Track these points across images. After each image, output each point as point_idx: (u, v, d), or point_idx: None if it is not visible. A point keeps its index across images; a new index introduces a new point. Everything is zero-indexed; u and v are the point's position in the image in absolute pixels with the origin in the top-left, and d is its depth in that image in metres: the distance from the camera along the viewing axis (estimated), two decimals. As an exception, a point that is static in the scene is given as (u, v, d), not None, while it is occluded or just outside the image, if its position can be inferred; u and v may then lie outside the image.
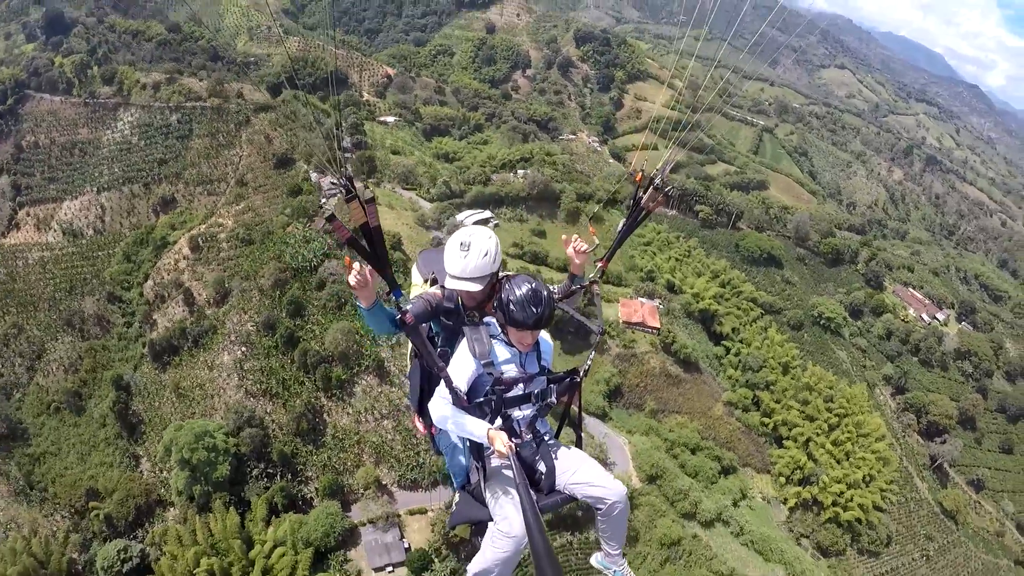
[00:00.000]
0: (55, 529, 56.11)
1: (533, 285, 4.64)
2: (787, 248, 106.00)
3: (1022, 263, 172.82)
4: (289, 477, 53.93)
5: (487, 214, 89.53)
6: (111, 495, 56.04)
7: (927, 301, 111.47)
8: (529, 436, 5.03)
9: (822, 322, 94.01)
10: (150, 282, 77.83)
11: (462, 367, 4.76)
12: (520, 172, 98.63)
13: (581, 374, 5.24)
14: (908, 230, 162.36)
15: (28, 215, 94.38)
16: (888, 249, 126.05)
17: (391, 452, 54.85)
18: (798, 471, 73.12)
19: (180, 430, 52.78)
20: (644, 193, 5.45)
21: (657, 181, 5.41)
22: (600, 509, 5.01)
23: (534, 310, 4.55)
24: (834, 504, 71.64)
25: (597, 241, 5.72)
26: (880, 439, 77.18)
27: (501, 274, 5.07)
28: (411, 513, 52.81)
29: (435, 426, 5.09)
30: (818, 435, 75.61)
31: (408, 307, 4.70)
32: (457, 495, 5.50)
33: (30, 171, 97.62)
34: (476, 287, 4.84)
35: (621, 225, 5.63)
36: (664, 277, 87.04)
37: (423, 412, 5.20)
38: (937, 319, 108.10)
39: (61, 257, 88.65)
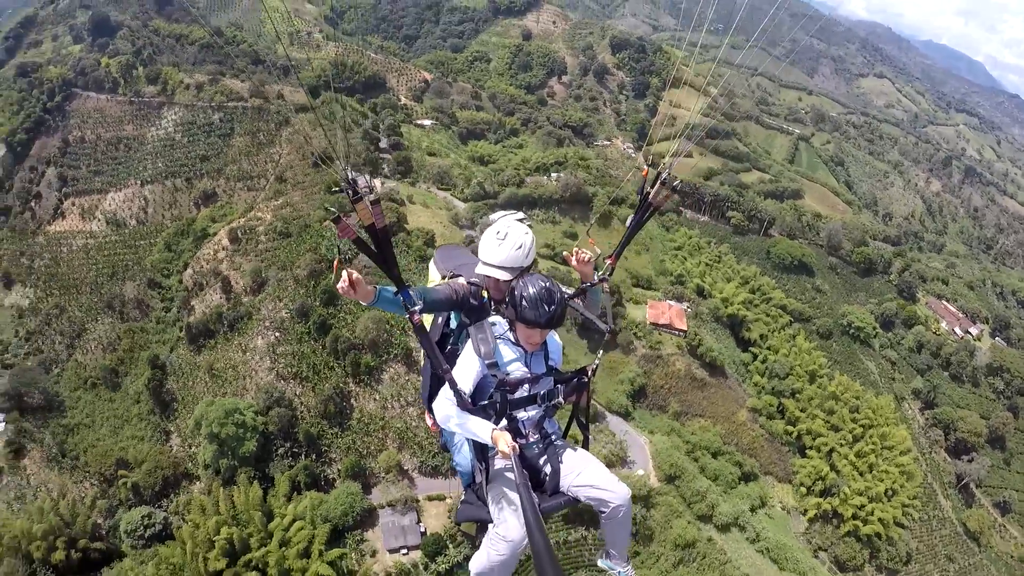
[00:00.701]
0: (83, 495, 58.24)
1: (547, 284, 4.61)
2: (819, 256, 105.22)
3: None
4: (313, 457, 55.67)
5: (520, 215, 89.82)
6: (140, 465, 58.30)
7: (960, 315, 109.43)
8: (536, 437, 5.01)
9: (851, 332, 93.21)
10: (189, 270, 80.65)
11: (467, 368, 4.77)
12: (553, 175, 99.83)
13: (589, 374, 5.24)
14: (945, 243, 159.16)
15: (73, 205, 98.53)
16: (923, 261, 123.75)
17: (414, 439, 56.26)
18: (819, 482, 72.52)
19: (211, 406, 54.93)
20: (651, 188, 5.40)
21: (664, 176, 5.34)
22: (604, 512, 4.97)
23: (546, 308, 4.53)
24: (854, 517, 70.80)
25: (599, 251, 5.65)
26: (905, 452, 76.10)
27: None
28: (429, 499, 54.04)
29: None
30: (842, 446, 74.96)
31: (418, 306, 4.65)
32: (463, 492, 5.53)
33: (76, 164, 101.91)
34: (506, 276, 4.90)
35: (629, 221, 5.61)
36: (693, 281, 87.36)
37: (432, 410, 5.15)
38: (970, 333, 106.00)
39: (104, 244, 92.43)
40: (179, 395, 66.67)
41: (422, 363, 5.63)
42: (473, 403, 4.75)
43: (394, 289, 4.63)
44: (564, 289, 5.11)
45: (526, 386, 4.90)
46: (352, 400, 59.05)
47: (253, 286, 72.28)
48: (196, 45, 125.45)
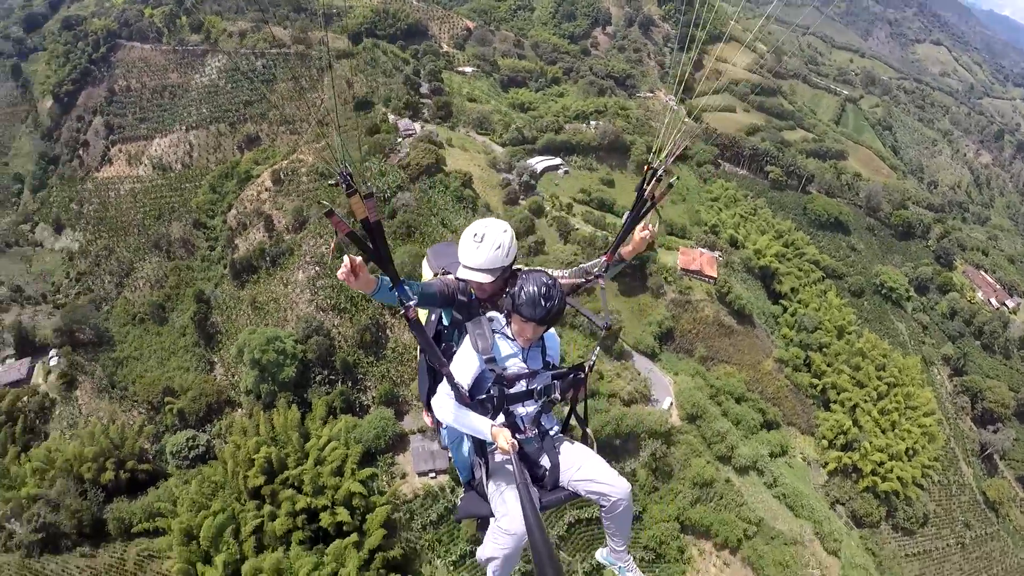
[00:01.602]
0: (132, 422, 61.64)
1: (547, 282, 4.69)
2: (856, 216, 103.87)
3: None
4: (349, 384, 58.35)
5: (557, 161, 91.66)
6: (185, 393, 61.55)
7: (998, 286, 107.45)
8: (534, 432, 5.05)
9: (884, 291, 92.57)
10: (233, 211, 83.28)
11: (465, 363, 4.83)
12: (592, 123, 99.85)
13: (586, 370, 5.30)
14: (990, 216, 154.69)
15: (120, 151, 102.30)
16: (963, 231, 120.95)
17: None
18: (841, 436, 73.02)
19: (253, 334, 57.74)
20: (648, 184, 5.38)
21: (660, 172, 5.34)
22: (604, 506, 5.02)
23: (543, 304, 4.63)
24: (873, 473, 71.18)
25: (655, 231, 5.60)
26: (929, 414, 76.01)
27: (516, 267, 5.17)
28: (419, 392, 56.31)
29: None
30: (865, 402, 75.16)
31: (414, 300, 4.74)
32: (463, 489, 5.63)
33: (122, 112, 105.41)
34: (487, 279, 4.92)
35: (626, 216, 5.61)
36: (727, 232, 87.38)
37: (431, 406, 5.25)
38: (1006, 305, 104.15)
39: (151, 188, 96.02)
40: (223, 328, 69.85)
41: (418, 360, 5.66)
42: (471, 398, 4.83)
43: (391, 285, 4.70)
44: (562, 273, 5.36)
45: (523, 381, 4.97)
46: (387, 331, 61.42)
47: (295, 224, 74.76)
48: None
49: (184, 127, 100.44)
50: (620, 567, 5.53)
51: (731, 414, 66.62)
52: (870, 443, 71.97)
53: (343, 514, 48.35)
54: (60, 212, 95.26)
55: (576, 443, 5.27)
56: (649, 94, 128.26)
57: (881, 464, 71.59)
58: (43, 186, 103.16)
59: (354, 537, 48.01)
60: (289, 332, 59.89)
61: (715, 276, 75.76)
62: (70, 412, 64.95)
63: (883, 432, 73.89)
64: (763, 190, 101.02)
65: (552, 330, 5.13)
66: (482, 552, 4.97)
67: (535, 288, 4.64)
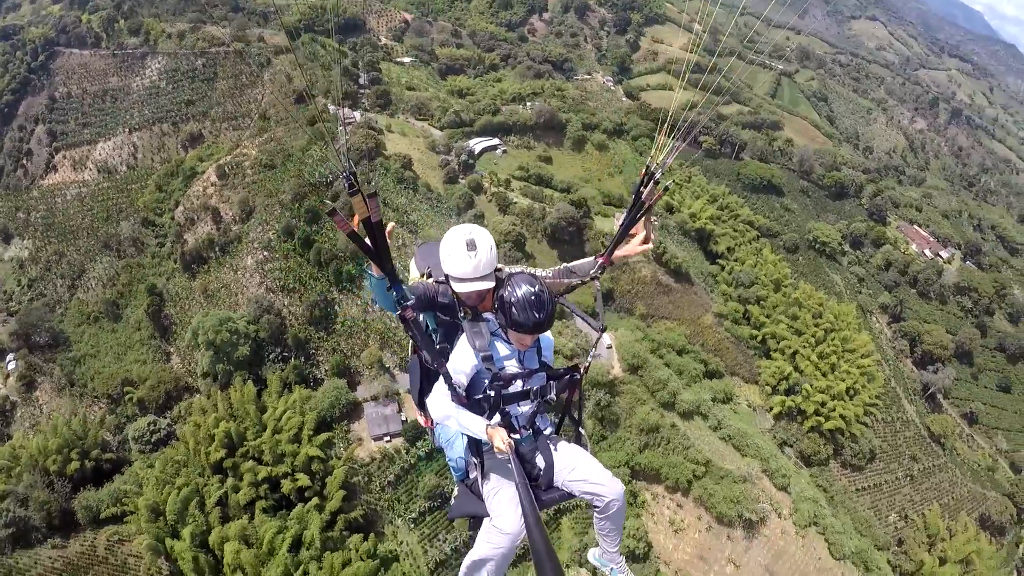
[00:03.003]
0: (93, 416, 62.43)
1: (535, 288, 4.64)
2: (789, 179, 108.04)
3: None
4: (302, 359, 60.12)
5: (496, 141, 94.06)
6: (144, 383, 62.85)
7: (931, 239, 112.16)
8: (528, 432, 5.03)
9: (817, 246, 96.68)
10: (180, 208, 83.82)
11: (462, 362, 4.81)
12: (528, 104, 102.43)
13: (581, 371, 5.27)
14: (926, 178, 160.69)
15: (64, 158, 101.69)
16: (897, 190, 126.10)
17: (395, 338, 60.45)
18: (784, 381, 76.51)
19: (206, 316, 59.11)
20: (645, 188, 5.37)
21: (657, 175, 5.34)
22: (597, 507, 5.03)
23: (535, 314, 4.59)
24: (816, 413, 74.62)
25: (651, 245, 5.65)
26: (867, 356, 79.90)
27: (505, 269, 5.15)
28: (409, 391, 58.26)
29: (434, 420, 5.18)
30: (804, 348, 78.79)
31: (411, 300, 4.80)
32: (456, 488, 5.56)
33: (64, 119, 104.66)
34: (490, 284, 4.87)
35: (623, 219, 5.60)
36: (663, 199, 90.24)
37: (423, 406, 5.25)
38: (940, 256, 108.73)
39: (97, 192, 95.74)
40: (176, 319, 70.95)
41: (409, 362, 5.63)
42: (468, 398, 4.84)
43: (388, 283, 4.77)
44: (548, 273, 5.41)
45: (519, 381, 4.97)
46: (336, 306, 63.21)
47: (242, 215, 75.91)
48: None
49: (127, 130, 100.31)
50: (612, 568, 5.51)
51: (673, 365, 69.30)
52: (811, 385, 75.45)
53: (303, 479, 50.20)
54: (7, 222, 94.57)
55: (570, 444, 5.28)
56: (587, 76, 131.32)
57: (823, 404, 75.07)
58: None
59: (315, 501, 49.90)
60: (241, 314, 61.15)
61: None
62: (31, 413, 65.61)
63: (823, 375, 77.43)
64: (697, 159, 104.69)
65: (547, 331, 5.09)
66: (475, 553, 4.92)
67: (524, 297, 4.60)
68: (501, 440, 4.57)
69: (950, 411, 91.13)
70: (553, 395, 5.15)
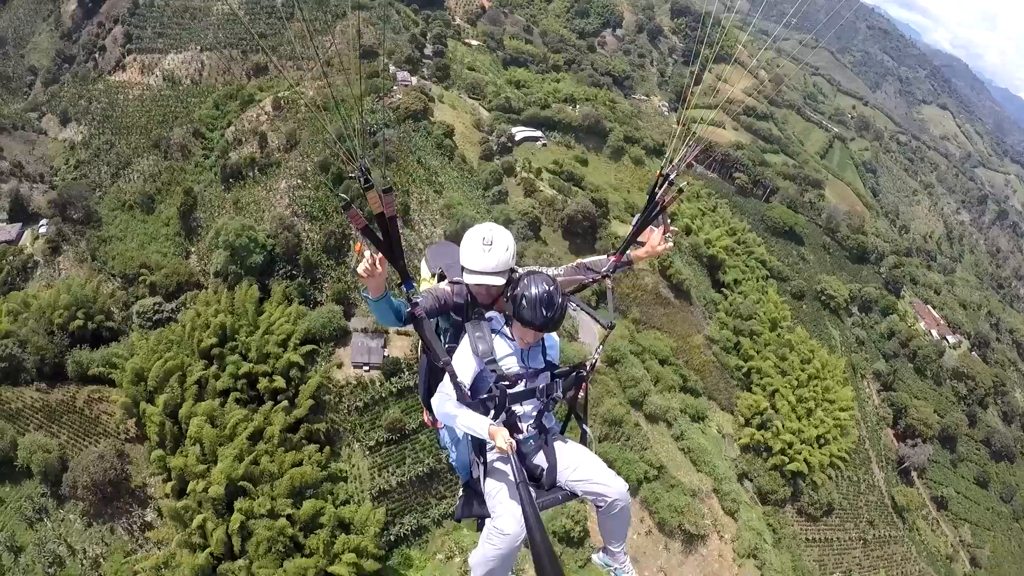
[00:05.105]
0: (107, 289, 66.27)
1: (549, 288, 4.61)
2: (813, 231, 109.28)
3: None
4: (308, 281, 63.74)
5: (538, 133, 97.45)
6: (159, 270, 66.93)
7: (942, 321, 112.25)
8: (533, 432, 5.00)
9: (823, 298, 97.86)
10: (232, 127, 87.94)
11: (464, 363, 4.79)
12: (577, 106, 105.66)
13: (588, 368, 5.26)
14: (956, 269, 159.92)
15: (135, 60, 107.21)
16: (919, 267, 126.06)
17: (398, 283, 63.43)
18: (757, 416, 77.88)
19: (231, 220, 63.14)
20: (660, 188, 5.36)
21: (672, 177, 5.32)
22: (601, 507, 5.00)
23: (543, 312, 4.56)
24: (782, 452, 75.48)
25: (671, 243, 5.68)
26: (845, 410, 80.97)
27: (519, 270, 5.10)
28: (399, 333, 61.38)
29: (439, 421, 5.18)
30: (785, 388, 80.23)
31: (419, 299, 4.82)
32: (461, 490, 5.50)
33: (142, 24, 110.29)
34: (500, 281, 4.90)
35: (636, 219, 5.59)
36: (683, 221, 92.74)
37: (430, 406, 5.22)
38: (947, 340, 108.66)
39: (159, 97, 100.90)
40: (204, 223, 74.79)
41: (419, 362, 5.61)
42: (472, 397, 4.79)
43: (399, 298, 4.80)
44: (560, 271, 5.37)
45: (524, 381, 4.93)
46: (351, 241, 66.68)
47: (287, 145, 79.92)
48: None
49: (199, 47, 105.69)
50: (616, 568, 5.45)
51: (652, 372, 71.16)
52: (782, 424, 76.68)
53: (279, 381, 53.81)
54: (68, 106, 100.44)
55: (573, 443, 5.24)
56: (644, 97, 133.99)
57: (791, 445, 75.98)
58: (55, 81, 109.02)
59: (285, 404, 53.25)
60: (263, 227, 65.09)
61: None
62: (50, 274, 69.78)
63: (798, 418, 78.58)
64: (728, 193, 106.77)
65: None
66: (477, 553, 4.87)
67: (537, 295, 4.56)
68: (503, 439, 4.49)
69: (921, 490, 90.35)
70: (559, 393, 5.11)
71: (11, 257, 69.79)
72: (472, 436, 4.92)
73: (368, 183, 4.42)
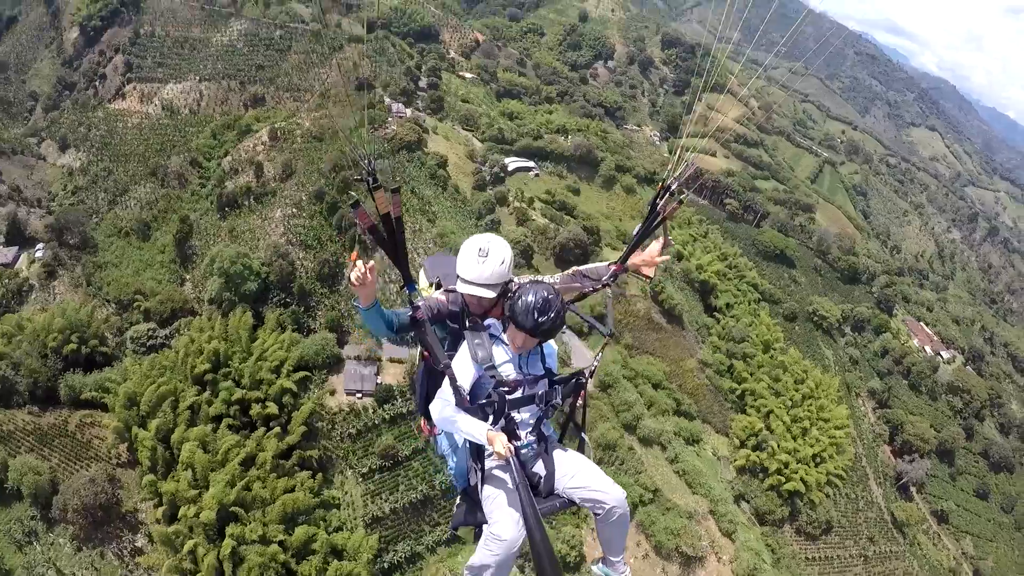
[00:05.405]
0: (101, 314, 66.73)
1: (548, 295, 4.59)
2: (804, 254, 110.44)
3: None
4: (302, 309, 64.36)
5: (531, 164, 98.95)
6: (154, 296, 67.55)
7: (935, 337, 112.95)
8: (532, 438, 4.99)
9: (815, 319, 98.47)
10: (229, 157, 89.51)
11: (463, 369, 4.78)
12: (569, 136, 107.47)
13: (587, 376, 5.25)
14: (948, 287, 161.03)
15: (135, 89, 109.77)
16: (911, 286, 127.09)
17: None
18: (752, 437, 77.93)
19: (226, 248, 63.97)
20: (661, 199, 5.40)
21: (673, 188, 5.35)
22: (599, 514, 4.99)
23: (536, 317, 4.54)
24: (779, 472, 75.14)
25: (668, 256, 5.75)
26: (840, 428, 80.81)
27: (517, 280, 5.13)
28: (391, 360, 61.95)
29: (435, 428, 5.20)
30: (780, 408, 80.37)
31: (420, 301, 4.89)
32: (459, 498, 5.47)
33: (143, 54, 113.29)
34: (490, 294, 4.85)
35: (637, 229, 5.61)
36: (675, 247, 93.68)
37: (428, 414, 5.20)
38: (940, 355, 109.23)
39: (157, 125, 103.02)
40: (199, 251, 75.72)
41: (417, 370, 5.64)
42: (471, 402, 4.77)
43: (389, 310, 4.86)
44: (557, 280, 5.40)
45: (522, 387, 4.89)
46: (345, 270, 67.45)
47: (282, 174, 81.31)
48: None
49: (198, 77, 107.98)
50: None
51: (645, 396, 71.29)
52: (778, 445, 76.63)
53: (272, 408, 54.05)
54: (68, 132, 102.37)
55: (571, 451, 5.24)
56: (635, 127, 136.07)
57: (787, 465, 75.63)
58: (56, 107, 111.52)
59: (277, 430, 53.41)
60: (258, 255, 65.92)
61: (651, 277, 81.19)
62: (45, 298, 70.57)
63: (793, 438, 78.41)
64: (719, 219, 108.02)
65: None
66: (473, 560, 4.84)
67: (533, 299, 4.57)
68: (501, 444, 4.46)
69: (920, 505, 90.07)
70: (559, 400, 5.07)
71: (7, 280, 70.83)
72: (470, 443, 4.93)
73: (376, 183, 4.47)
